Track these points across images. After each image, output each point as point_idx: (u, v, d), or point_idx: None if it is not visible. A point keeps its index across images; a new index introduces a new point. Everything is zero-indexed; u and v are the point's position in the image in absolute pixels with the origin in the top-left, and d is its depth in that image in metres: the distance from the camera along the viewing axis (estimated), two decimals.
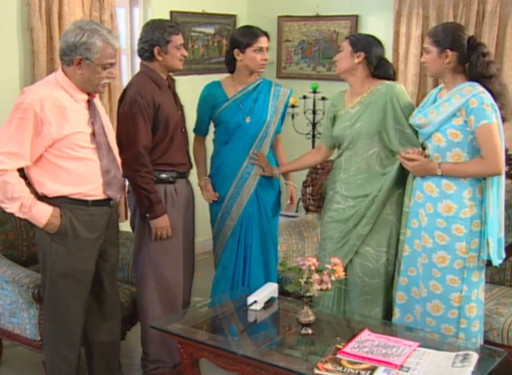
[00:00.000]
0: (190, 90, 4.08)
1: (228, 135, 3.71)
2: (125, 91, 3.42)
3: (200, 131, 3.83)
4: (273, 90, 3.78)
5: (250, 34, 3.62)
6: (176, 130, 3.47)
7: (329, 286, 2.83)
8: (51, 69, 4.13)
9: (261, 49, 3.62)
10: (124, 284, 3.75)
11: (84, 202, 3.03)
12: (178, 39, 3.40)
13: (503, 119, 3.07)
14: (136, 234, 3.52)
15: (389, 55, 5.13)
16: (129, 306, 3.65)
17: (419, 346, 2.72)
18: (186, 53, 3.47)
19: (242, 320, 3.16)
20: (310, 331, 2.89)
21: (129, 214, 3.84)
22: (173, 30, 3.39)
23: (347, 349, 2.68)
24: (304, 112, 5.57)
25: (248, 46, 3.60)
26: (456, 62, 3.08)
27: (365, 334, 2.82)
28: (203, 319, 3.16)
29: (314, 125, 5.60)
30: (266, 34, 3.68)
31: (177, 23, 3.50)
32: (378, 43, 3.43)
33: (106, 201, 3.10)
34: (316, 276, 2.82)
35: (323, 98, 5.45)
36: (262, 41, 3.63)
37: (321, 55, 5.74)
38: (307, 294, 2.86)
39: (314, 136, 5.58)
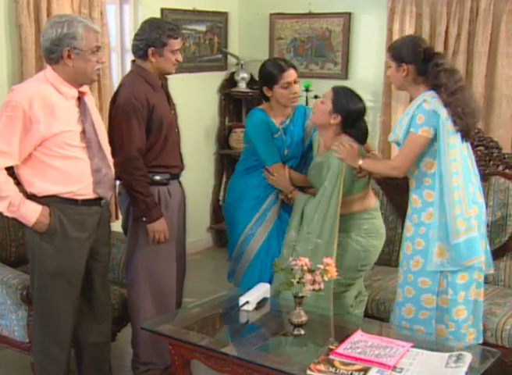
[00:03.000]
0: (181, 88, 4.09)
1: (263, 164, 3.67)
2: (117, 91, 3.41)
3: (278, 157, 3.64)
4: (307, 115, 3.73)
5: (275, 70, 3.57)
6: (169, 131, 3.46)
7: (322, 286, 2.84)
8: (39, 67, 4.12)
9: (288, 84, 3.57)
10: (114, 285, 3.75)
11: (74, 201, 3.02)
12: (175, 43, 3.38)
13: (462, 135, 3.12)
14: (129, 237, 3.51)
15: (381, 53, 5.16)
16: (120, 307, 3.65)
17: (412, 347, 2.73)
18: (180, 58, 3.46)
19: (234, 321, 3.16)
20: (302, 332, 2.89)
21: (120, 214, 3.84)
22: (172, 33, 3.36)
23: (340, 350, 2.69)
24: None
25: (275, 83, 3.56)
26: (415, 74, 3.17)
27: (358, 335, 2.83)
28: (194, 320, 3.16)
29: None
30: (293, 66, 3.62)
31: (177, 26, 3.49)
32: (361, 102, 3.45)
33: (96, 201, 3.10)
34: (308, 277, 2.83)
35: (316, 97, 5.45)
36: (288, 76, 3.57)
37: (313, 53, 5.74)
38: (300, 294, 2.86)
39: None
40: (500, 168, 3.90)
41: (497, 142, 3.97)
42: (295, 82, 3.61)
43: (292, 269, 2.88)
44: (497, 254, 3.76)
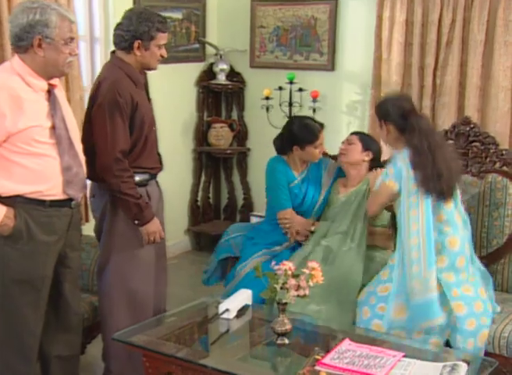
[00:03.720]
0: (155, 81, 4.06)
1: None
2: (98, 86, 3.36)
3: (290, 204, 4.07)
4: (323, 167, 4.15)
5: (311, 134, 3.98)
6: (150, 130, 3.47)
7: (307, 292, 2.85)
8: (0, 57, 4.09)
9: (320, 144, 4.02)
10: (84, 293, 3.73)
11: (41, 202, 3.01)
12: (163, 38, 3.40)
13: (437, 196, 3.34)
14: (105, 242, 3.50)
15: (370, 42, 5.19)
16: (90, 317, 3.64)
17: (404, 356, 2.76)
18: (165, 54, 3.46)
19: (213, 330, 3.17)
20: (286, 341, 2.91)
21: (90, 217, 3.83)
22: (161, 27, 3.37)
23: (326, 360, 2.70)
24: (280, 105, 5.59)
25: (310, 144, 3.98)
26: (397, 133, 3.46)
27: (346, 344, 2.84)
28: (170, 329, 3.17)
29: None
30: (322, 127, 4.06)
31: (165, 19, 3.49)
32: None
33: (66, 202, 3.09)
34: (292, 282, 2.84)
35: (300, 90, 5.48)
36: (322, 137, 4.02)
37: (298, 43, 5.76)
38: (283, 300, 2.87)
39: None
40: (497, 165, 3.93)
41: (494, 137, 4.00)
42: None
43: (275, 274, 2.89)
44: (494, 257, 3.80)
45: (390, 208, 3.64)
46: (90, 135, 3.37)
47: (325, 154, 4.22)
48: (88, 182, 3.40)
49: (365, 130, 5.28)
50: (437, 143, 3.38)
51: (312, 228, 3.98)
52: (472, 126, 4.04)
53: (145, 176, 3.47)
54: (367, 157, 3.95)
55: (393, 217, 3.65)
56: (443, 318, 3.29)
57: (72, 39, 2.99)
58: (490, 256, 3.79)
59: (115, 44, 3.41)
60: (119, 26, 3.39)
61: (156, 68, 3.50)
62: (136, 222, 3.38)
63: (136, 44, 3.34)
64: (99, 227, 3.54)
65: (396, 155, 3.44)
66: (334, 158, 4.21)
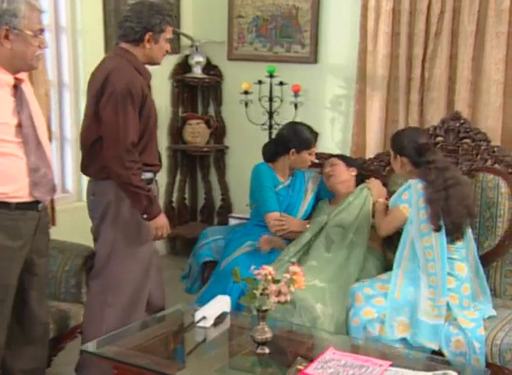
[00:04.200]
0: None
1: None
2: (106, 79, 3.39)
3: (277, 208, 4.26)
4: (308, 177, 4.41)
5: (309, 139, 4.25)
6: (154, 126, 3.59)
7: (288, 298, 2.86)
8: None
9: (313, 152, 4.30)
10: (50, 302, 3.72)
11: (6, 205, 2.99)
12: (170, 31, 3.55)
13: (446, 233, 3.54)
14: (103, 242, 3.55)
15: (355, 33, 5.21)
16: (57, 327, 3.62)
17: (391, 365, 2.77)
18: (169, 49, 3.60)
19: (189, 339, 3.17)
20: (267, 350, 2.91)
21: (57, 220, 3.83)
22: (169, 20, 3.53)
23: (310, 370, 2.71)
24: (260, 100, 5.60)
25: (307, 149, 4.24)
26: (411, 166, 3.74)
27: (330, 353, 2.86)
28: (143, 339, 3.16)
29: (271, 114, 5.63)
30: (317, 136, 4.33)
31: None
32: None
33: (33, 205, 3.07)
34: (273, 287, 2.85)
35: (281, 83, 5.49)
36: (316, 145, 4.32)
37: (278, 34, 5.78)
38: (263, 307, 2.88)
39: (271, 127, 5.61)
40: (489, 163, 3.97)
41: (485, 134, 4.04)
42: None
43: (255, 280, 2.90)
44: (486, 259, 3.83)
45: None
46: (91, 130, 3.45)
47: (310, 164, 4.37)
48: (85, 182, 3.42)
49: (350, 128, 5.34)
50: (453, 180, 3.59)
51: (308, 226, 4.16)
52: (462, 121, 4.08)
53: (150, 175, 3.57)
54: (353, 172, 4.27)
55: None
56: (438, 346, 3.39)
57: (41, 31, 2.99)
58: (482, 259, 3.79)
59: (123, 36, 3.49)
60: (127, 17, 3.48)
61: (160, 63, 3.63)
62: (145, 216, 3.47)
63: (147, 37, 3.46)
64: (98, 228, 3.57)
65: (410, 181, 3.67)
66: (320, 165, 4.39)
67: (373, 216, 4.02)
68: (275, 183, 4.29)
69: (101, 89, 3.39)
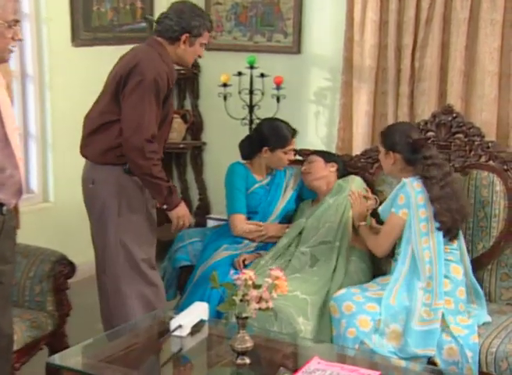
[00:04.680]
0: (95, 64, 4.07)
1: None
2: (134, 66, 3.54)
3: (244, 210, 4.32)
4: (288, 174, 4.45)
5: (284, 137, 4.27)
6: (169, 123, 3.84)
7: (270, 304, 2.87)
8: None
9: (290, 151, 4.33)
10: (14, 310, 3.70)
11: None
12: (207, 37, 3.75)
13: (444, 232, 3.58)
14: (109, 234, 3.66)
15: (341, 21, 5.22)
16: (22, 338, 3.59)
17: None
18: (203, 54, 3.81)
19: (164, 350, 3.17)
20: (247, 361, 2.91)
21: (21, 222, 3.80)
22: (209, 25, 3.74)
23: None
24: (239, 92, 5.60)
25: (281, 147, 4.27)
26: (404, 164, 3.74)
27: (314, 363, 2.86)
28: (115, 349, 3.16)
29: (251, 108, 5.63)
30: (295, 133, 4.34)
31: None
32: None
33: None
34: (254, 293, 2.85)
35: (262, 75, 5.49)
36: (293, 143, 4.33)
37: (259, 22, 5.78)
38: (244, 314, 2.88)
39: (251, 121, 5.62)
40: (483, 159, 3.97)
41: (479, 128, 4.05)
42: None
43: (234, 285, 2.90)
44: (481, 262, 3.86)
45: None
46: (104, 113, 3.62)
47: (292, 161, 4.39)
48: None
49: (336, 123, 5.35)
50: (450, 176, 3.67)
51: (287, 231, 4.24)
52: (455, 115, 4.09)
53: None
54: (332, 168, 4.28)
55: None
56: (435, 352, 3.41)
57: (16, 22, 2.98)
58: (476, 262, 3.82)
59: (160, 31, 3.68)
60: (168, 15, 3.67)
61: (190, 66, 3.92)
62: (165, 206, 3.70)
63: (183, 38, 3.65)
64: (99, 219, 3.67)
65: (404, 181, 3.65)
66: (301, 162, 4.40)
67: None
68: (250, 183, 4.34)
69: (127, 75, 3.55)
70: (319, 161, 4.29)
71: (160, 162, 3.63)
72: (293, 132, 4.32)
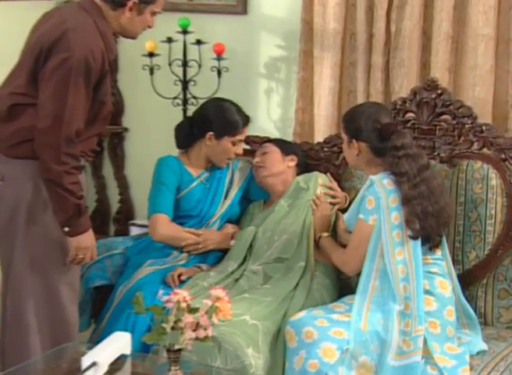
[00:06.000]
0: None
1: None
2: (62, 35, 3.43)
3: (169, 211, 4.36)
4: (231, 168, 4.57)
5: (240, 122, 4.37)
6: (106, 117, 3.76)
7: (209, 333, 2.88)
8: None
9: (239, 142, 4.41)
10: None
11: None
12: (161, 4, 3.73)
13: (422, 239, 3.60)
14: (17, 249, 3.59)
15: (298, 3, 5.20)
16: None
17: None
18: (152, 25, 3.78)
19: None
20: None
21: None
22: None
23: None
24: (170, 64, 5.59)
25: (231, 135, 4.35)
26: (371, 155, 3.77)
27: None
28: None
29: (185, 84, 5.63)
30: (248, 121, 4.42)
31: None
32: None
33: None
34: (189, 319, 2.86)
35: (198, 42, 5.49)
36: (244, 133, 4.41)
37: None
38: (176, 346, 2.90)
39: (186, 101, 5.61)
40: (475, 146, 4.02)
41: (470, 108, 4.10)
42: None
43: (163, 308, 2.91)
44: (474, 276, 3.92)
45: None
46: (16, 93, 3.53)
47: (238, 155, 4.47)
48: None
49: (292, 100, 5.38)
50: (428, 170, 3.67)
51: (232, 242, 4.34)
52: (440, 92, 4.13)
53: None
54: (291, 162, 4.40)
55: None
56: None
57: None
58: (467, 276, 3.90)
59: None
60: None
61: (136, 38, 3.83)
62: (66, 229, 3.53)
63: (130, 4, 3.58)
64: (5, 226, 3.60)
65: (372, 179, 3.65)
66: (252, 153, 4.51)
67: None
68: (185, 182, 4.41)
69: (48, 49, 3.45)
70: (276, 152, 4.37)
71: (77, 171, 3.53)
72: (246, 119, 4.39)
